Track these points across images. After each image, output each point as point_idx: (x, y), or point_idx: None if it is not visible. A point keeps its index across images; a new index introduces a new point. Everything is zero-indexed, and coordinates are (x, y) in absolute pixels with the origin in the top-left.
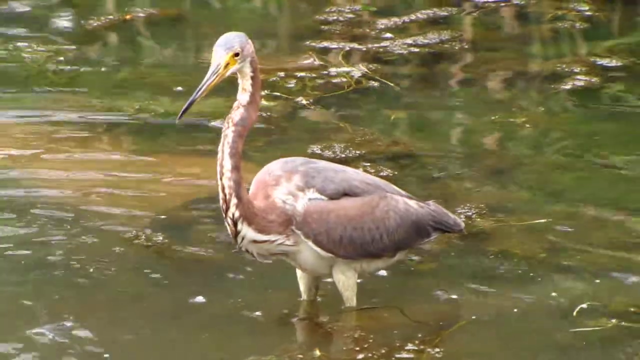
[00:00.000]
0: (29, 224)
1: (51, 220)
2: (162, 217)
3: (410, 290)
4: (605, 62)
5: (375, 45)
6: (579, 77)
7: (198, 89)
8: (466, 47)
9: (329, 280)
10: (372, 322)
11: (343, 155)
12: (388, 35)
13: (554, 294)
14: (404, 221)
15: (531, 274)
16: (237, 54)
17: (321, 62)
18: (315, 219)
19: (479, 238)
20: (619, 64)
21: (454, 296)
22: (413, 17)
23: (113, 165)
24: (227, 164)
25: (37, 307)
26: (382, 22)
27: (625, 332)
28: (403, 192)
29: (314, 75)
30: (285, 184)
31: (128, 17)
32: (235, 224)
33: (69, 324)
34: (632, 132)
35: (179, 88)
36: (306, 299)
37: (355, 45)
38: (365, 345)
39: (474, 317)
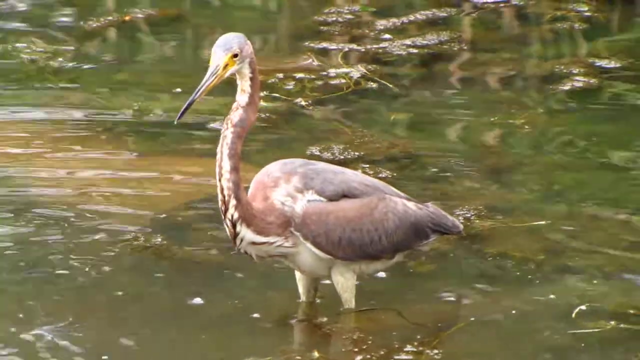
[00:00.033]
0: (27, 223)
1: (50, 220)
2: (162, 217)
3: (409, 291)
4: (604, 62)
5: (374, 46)
6: (577, 77)
7: (197, 89)
8: (465, 47)
9: (328, 281)
10: (371, 324)
11: (342, 157)
12: (387, 36)
13: (552, 295)
14: (403, 223)
15: (530, 276)
16: (236, 55)
17: (320, 63)
18: (314, 220)
19: (477, 239)
20: (618, 64)
21: (453, 298)
22: (412, 17)
23: (112, 165)
24: (226, 165)
25: (35, 308)
26: (381, 23)
27: (625, 334)
28: (402, 194)
29: (313, 76)
30: (284, 186)
31: (127, 17)
32: (234, 225)
33: (67, 324)
34: (631, 132)
35: (178, 89)
36: (305, 301)
37: (354, 46)
38: (364, 347)
39: (472, 319)
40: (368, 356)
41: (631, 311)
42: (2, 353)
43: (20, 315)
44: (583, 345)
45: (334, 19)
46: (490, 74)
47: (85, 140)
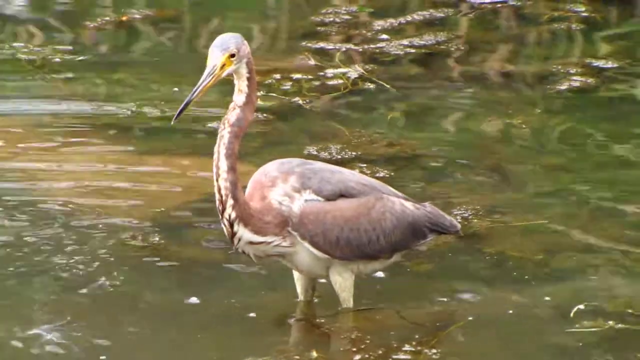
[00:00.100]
0: (23, 221)
1: (47, 220)
2: (159, 217)
3: (407, 291)
4: (601, 62)
5: (372, 46)
6: (575, 77)
7: (194, 90)
8: (462, 48)
9: (326, 281)
10: (369, 324)
11: (339, 157)
12: (384, 36)
13: (551, 295)
14: (400, 222)
15: (528, 275)
16: (233, 55)
17: (318, 63)
18: (312, 220)
19: (476, 239)
20: (615, 64)
21: (451, 297)
22: (409, 18)
23: (109, 165)
24: (223, 165)
25: (31, 307)
26: (379, 23)
27: (622, 334)
28: (399, 194)
29: (310, 76)
30: (282, 185)
31: (124, 18)
32: (231, 225)
33: (64, 323)
34: (629, 132)
35: (175, 89)
36: (303, 300)
37: (351, 46)
38: (362, 347)
39: (470, 318)
40: (366, 356)
41: (629, 311)
42: (2, 353)
43: (16, 315)
44: (581, 344)
45: (332, 19)
46: (487, 75)
47: (83, 140)
